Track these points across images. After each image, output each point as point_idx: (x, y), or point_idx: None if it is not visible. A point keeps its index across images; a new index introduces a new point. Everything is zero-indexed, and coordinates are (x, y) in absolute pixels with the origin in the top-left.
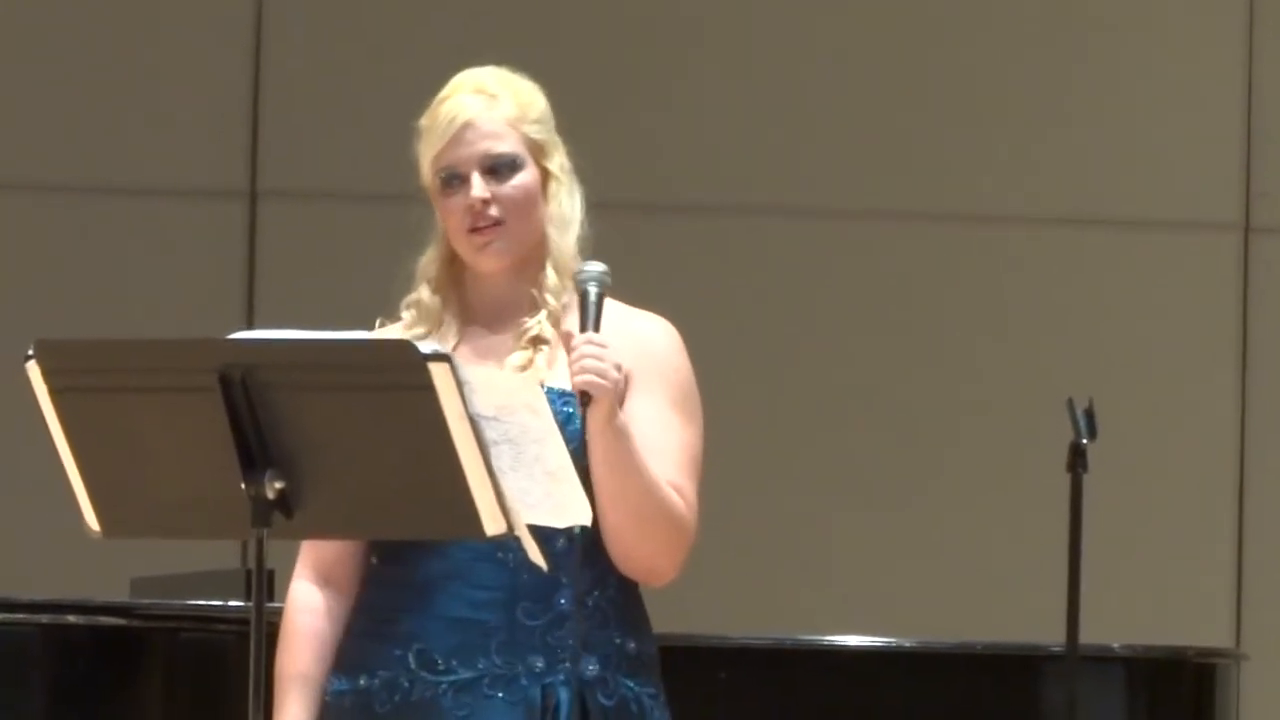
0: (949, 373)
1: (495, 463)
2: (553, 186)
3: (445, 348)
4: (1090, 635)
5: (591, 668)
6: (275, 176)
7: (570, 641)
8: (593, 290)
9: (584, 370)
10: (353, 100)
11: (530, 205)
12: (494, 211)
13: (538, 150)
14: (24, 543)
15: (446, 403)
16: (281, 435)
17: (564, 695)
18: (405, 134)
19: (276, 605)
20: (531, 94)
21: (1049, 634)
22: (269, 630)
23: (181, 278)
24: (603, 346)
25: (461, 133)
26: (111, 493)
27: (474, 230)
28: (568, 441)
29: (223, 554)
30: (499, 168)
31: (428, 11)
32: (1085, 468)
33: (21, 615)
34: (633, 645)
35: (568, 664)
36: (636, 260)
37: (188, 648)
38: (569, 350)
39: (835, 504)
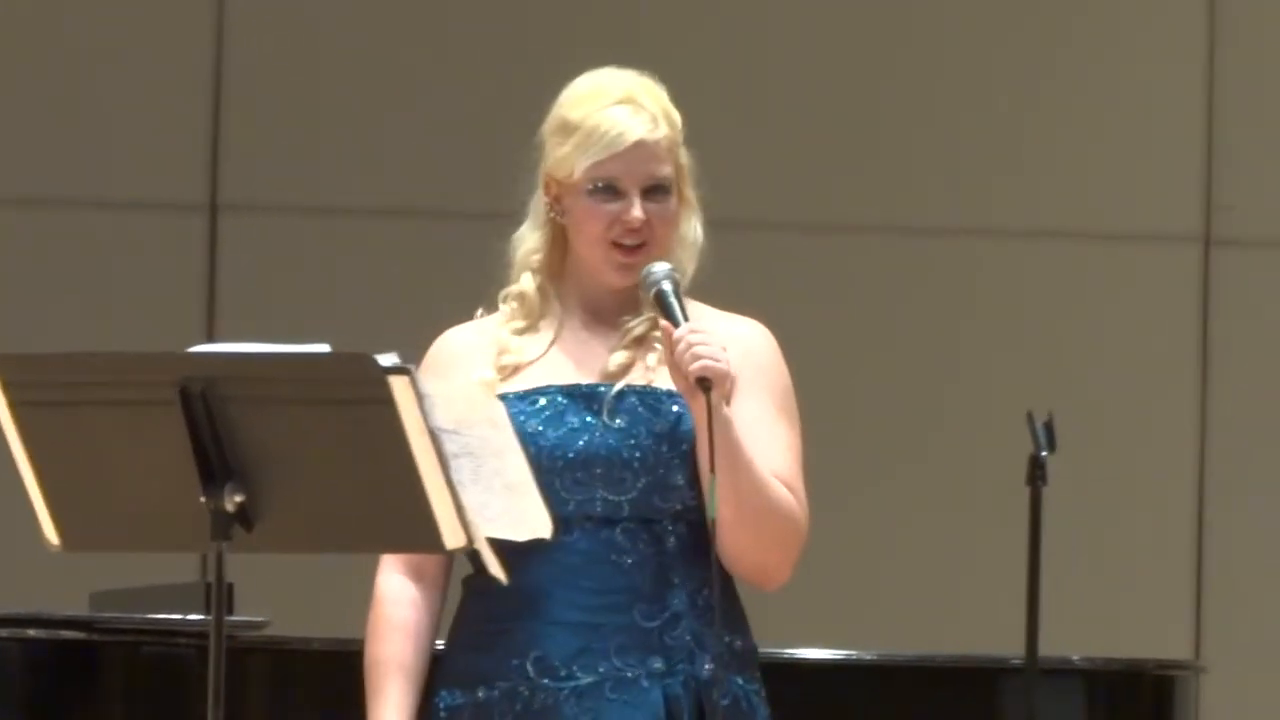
0: (908, 384)
1: (455, 476)
2: (685, 210)
3: (401, 360)
4: (1050, 647)
5: (706, 667)
6: (235, 190)
7: (687, 640)
8: (668, 285)
9: (697, 357)
10: (313, 114)
11: (674, 229)
12: (644, 232)
13: (681, 175)
14: None
15: (406, 416)
16: (241, 448)
17: (684, 696)
18: (364, 148)
19: (235, 619)
20: (675, 113)
21: (1009, 646)
22: (229, 644)
23: (142, 291)
24: (705, 332)
25: (632, 150)
26: (71, 506)
27: (617, 245)
28: (681, 440)
29: (182, 567)
30: (657, 190)
31: (389, 27)
32: (1045, 480)
33: None
34: (739, 643)
35: (684, 664)
36: None
37: (148, 661)
38: (671, 346)
39: None
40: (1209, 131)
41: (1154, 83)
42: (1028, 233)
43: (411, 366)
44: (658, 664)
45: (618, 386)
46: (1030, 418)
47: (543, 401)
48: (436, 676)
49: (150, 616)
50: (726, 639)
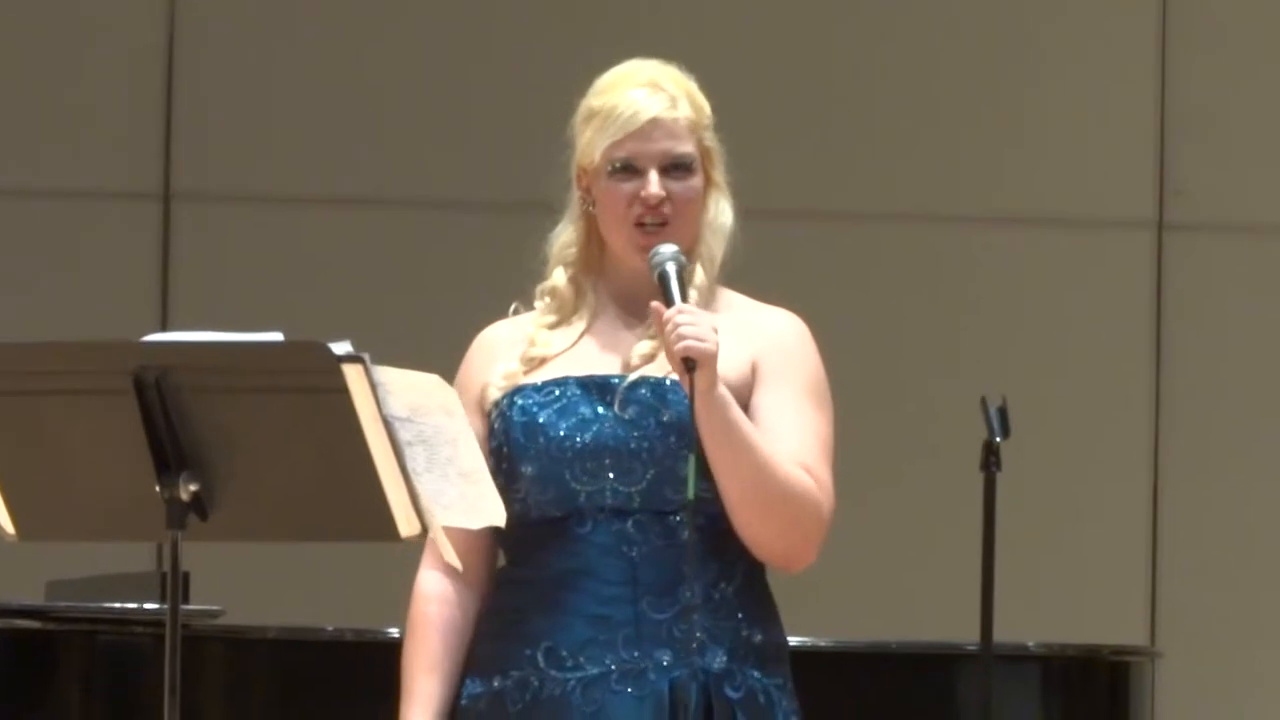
0: (863, 370)
1: (410, 464)
2: (713, 194)
3: (354, 349)
4: (1005, 634)
5: (719, 660)
6: (189, 179)
7: (697, 634)
8: (671, 267)
9: (682, 338)
10: (266, 102)
11: (697, 209)
12: (665, 210)
13: (707, 157)
14: None
15: (360, 404)
16: (196, 437)
17: (692, 689)
18: (318, 136)
19: (191, 608)
20: (702, 97)
21: (964, 633)
22: (184, 633)
23: (95, 280)
24: (695, 313)
25: (647, 128)
26: (27, 496)
27: (640, 225)
28: (690, 432)
29: (137, 557)
30: (677, 168)
31: (340, 16)
32: (999, 466)
33: None
34: (759, 636)
35: (695, 657)
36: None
37: (104, 650)
38: (661, 326)
39: None
40: (1161, 116)
41: (1106, 69)
42: (981, 219)
43: (365, 355)
44: (666, 656)
45: (631, 378)
46: (984, 403)
47: (557, 393)
48: (465, 665)
49: (106, 605)
50: (744, 632)
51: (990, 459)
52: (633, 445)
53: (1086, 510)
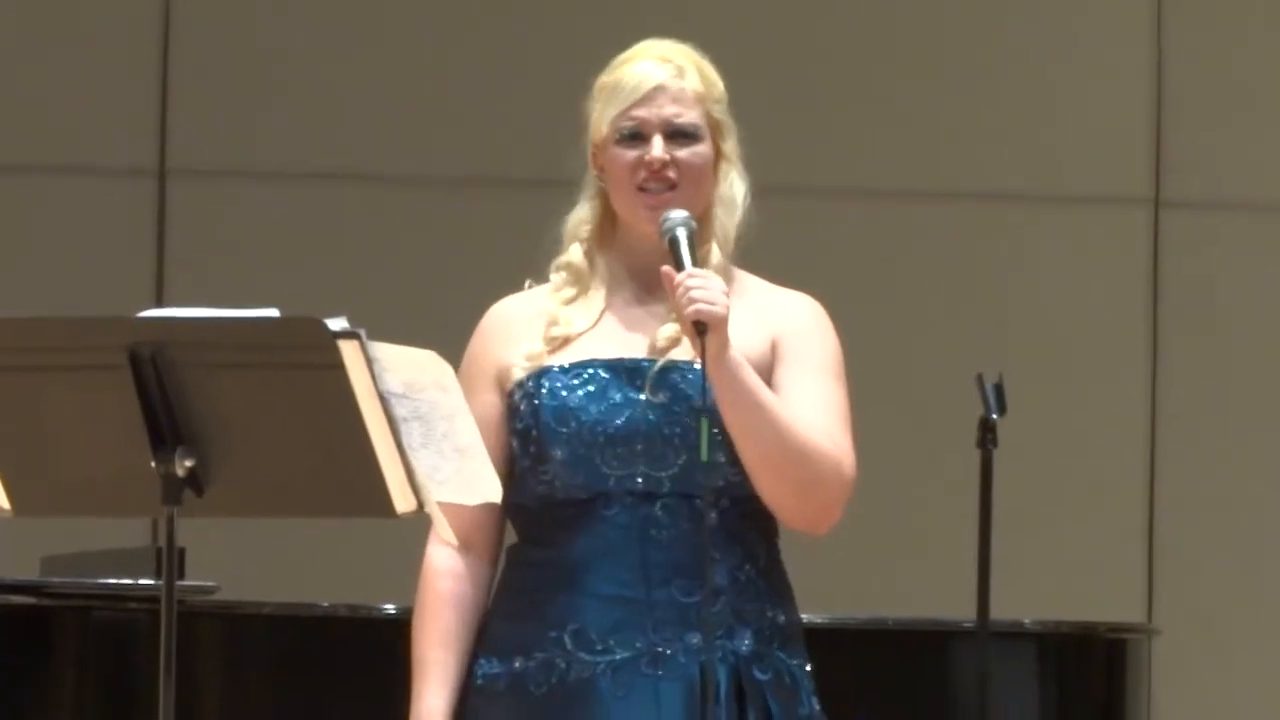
0: (860, 348)
1: (405, 440)
2: (724, 167)
3: (350, 323)
4: (1002, 611)
5: (746, 642)
6: (184, 155)
7: (726, 615)
8: (681, 232)
9: (693, 301)
10: (261, 78)
11: (704, 177)
12: (670, 174)
13: (716, 129)
14: None
15: (356, 380)
16: (192, 413)
17: (722, 672)
18: (313, 112)
19: (186, 583)
20: (714, 73)
21: (961, 609)
22: (180, 608)
23: (91, 256)
24: (705, 276)
25: (652, 94)
26: (22, 472)
27: (644, 190)
28: (709, 409)
29: (133, 532)
30: (682, 135)
31: None
32: (995, 443)
33: None
34: (782, 617)
35: (723, 639)
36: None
37: (99, 626)
38: (671, 290)
39: None
40: (1158, 92)
41: (1103, 43)
42: (978, 195)
43: (361, 330)
44: (695, 639)
45: (660, 362)
46: (980, 380)
47: (586, 375)
48: (476, 644)
49: (101, 581)
50: (769, 613)
51: (986, 436)
52: (665, 430)
53: (1083, 487)
